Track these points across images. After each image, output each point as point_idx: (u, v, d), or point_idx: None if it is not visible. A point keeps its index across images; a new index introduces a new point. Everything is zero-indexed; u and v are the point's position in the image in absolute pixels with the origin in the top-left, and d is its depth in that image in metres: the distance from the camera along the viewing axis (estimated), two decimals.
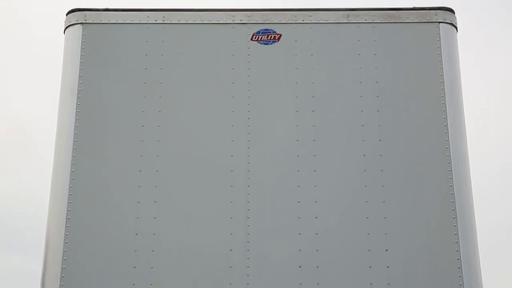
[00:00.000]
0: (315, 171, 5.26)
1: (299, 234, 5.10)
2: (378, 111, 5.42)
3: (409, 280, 5.00)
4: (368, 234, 5.09)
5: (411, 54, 5.59)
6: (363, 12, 5.69)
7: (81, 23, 5.72)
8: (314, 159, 5.29)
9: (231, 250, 5.06)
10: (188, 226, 5.12)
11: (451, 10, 5.74)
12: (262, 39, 5.63)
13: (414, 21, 5.69)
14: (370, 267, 5.02)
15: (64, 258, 5.06)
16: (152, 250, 5.07)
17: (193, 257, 5.05)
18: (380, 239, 5.07)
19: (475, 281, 5.03)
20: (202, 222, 5.12)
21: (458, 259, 5.02)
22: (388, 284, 4.98)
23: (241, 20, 5.70)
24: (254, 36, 5.64)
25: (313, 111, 5.42)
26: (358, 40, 5.62)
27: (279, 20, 5.68)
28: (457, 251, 5.04)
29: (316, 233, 5.10)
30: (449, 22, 5.70)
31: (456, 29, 5.74)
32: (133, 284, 5.00)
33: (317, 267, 5.02)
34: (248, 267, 5.02)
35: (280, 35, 5.64)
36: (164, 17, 5.72)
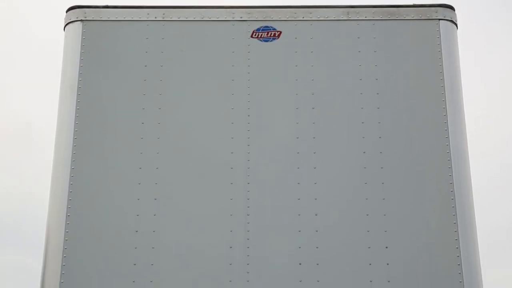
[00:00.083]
0: (315, 168, 5.25)
1: (299, 231, 5.10)
2: (378, 108, 5.41)
3: (409, 277, 4.99)
4: (368, 231, 5.09)
5: (411, 51, 5.58)
6: (363, 9, 5.68)
7: (81, 20, 5.72)
8: (314, 156, 5.28)
9: (231, 247, 5.06)
10: (188, 223, 5.11)
11: (451, 7, 5.72)
12: (262, 36, 5.62)
13: (414, 18, 5.68)
14: (370, 264, 5.01)
15: (64, 255, 5.06)
16: (152, 247, 5.07)
17: (193, 254, 5.04)
18: (380, 237, 5.07)
19: (475, 279, 5.03)
20: (202, 219, 5.12)
21: (458, 256, 5.02)
22: (388, 281, 4.97)
23: (241, 17, 5.69)
24: (254, 33, 5.64)
25: (313, 108, 5.42)
26: (358, 37, 5.62)
27: (279, 17, 5.68)
28: (457, 248, 5.03)
29: (316, 230, 5.09)
30: (449, 19, 5.69)
31: (456, 26, 5.73)
32: (133, 281, 5.00)
33: (317, 264, 5.02)
34: (248, 264, 5.02)
35: (280, 32, 5.64)
36: (164, 14, 5.72)
